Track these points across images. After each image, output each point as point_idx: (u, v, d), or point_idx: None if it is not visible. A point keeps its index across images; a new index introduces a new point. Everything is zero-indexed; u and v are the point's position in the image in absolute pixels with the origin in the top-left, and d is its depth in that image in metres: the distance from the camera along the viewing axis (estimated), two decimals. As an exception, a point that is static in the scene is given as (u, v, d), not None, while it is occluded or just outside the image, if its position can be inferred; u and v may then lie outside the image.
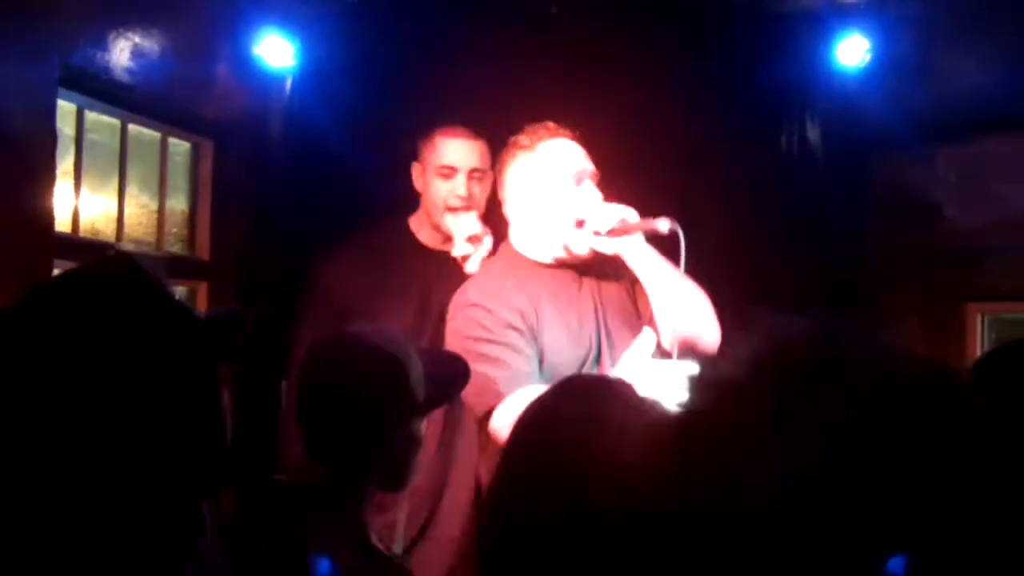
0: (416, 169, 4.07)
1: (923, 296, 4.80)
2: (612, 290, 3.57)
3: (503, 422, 3.24)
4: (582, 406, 1.82)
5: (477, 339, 3.34)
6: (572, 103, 3.93)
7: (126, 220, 4.20)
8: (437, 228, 3.99)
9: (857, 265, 4.84)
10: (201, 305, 4.53)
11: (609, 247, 3.44)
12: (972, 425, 1.31)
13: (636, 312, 3.56)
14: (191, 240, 4.62)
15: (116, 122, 4.14)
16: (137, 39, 3.89)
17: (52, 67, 3.52)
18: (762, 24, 4.67)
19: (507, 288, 3.46)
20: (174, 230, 4.57)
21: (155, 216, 4.42)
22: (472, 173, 3.97)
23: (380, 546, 2.29)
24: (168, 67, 4.06)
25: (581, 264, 3.54)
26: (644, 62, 4.56)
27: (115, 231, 4.15)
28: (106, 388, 1.43)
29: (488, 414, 3.29)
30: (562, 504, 1.68)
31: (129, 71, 3.88)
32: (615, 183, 3.62)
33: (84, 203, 3.97)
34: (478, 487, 3.83)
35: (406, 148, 4.16)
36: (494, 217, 3.79)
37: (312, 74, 4.56)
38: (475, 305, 3.42)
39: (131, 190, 4.26)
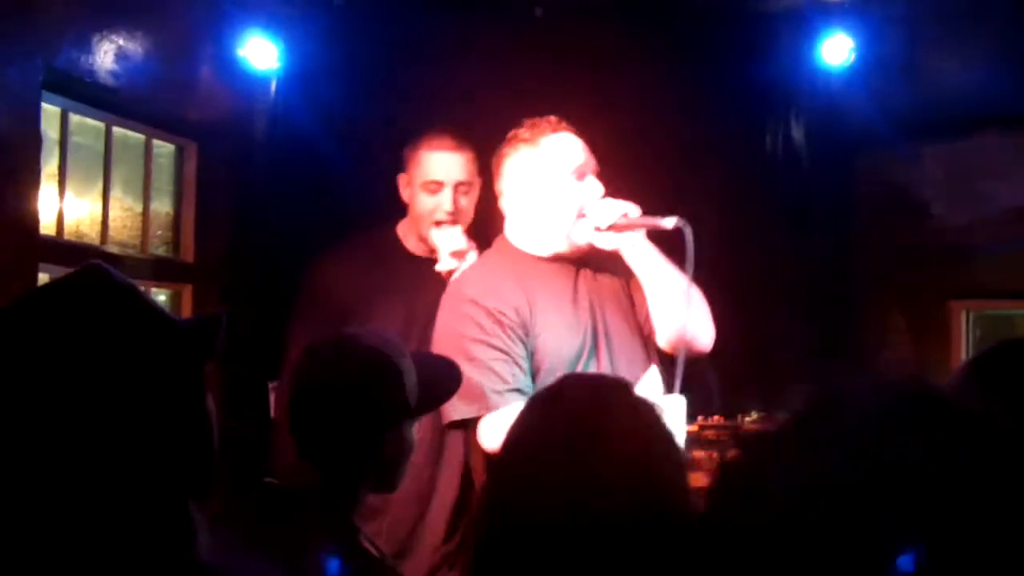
0: (402, 180, 4.03)
1: (908, 294, 4.82)
2: (608, 284, 3.56)
3: (489, 435, 3.26)
4: (580, 405, 1.82)
5: (470, 339, 3.33)
6: (558, 104, 3.91)
7: (111, 223, 4.19)
8: (423, 239, 3.97)
9: (842, 263, 4.85)
10: (186, 307, 4.53)
11: (609, 243, 3.43)
12: (967, 437, 1.32)
13: (632, 306, 3.54)
14: (176, 242, 4.61)
15: (100, 124, 4.13)
16: (121, 42, 3.88)
17: (36, 70, 3.51)
18: (746, 23, 4.67)
19: (502, 282, 3.44)
20: (159, 232, 4.56)
21: (140, 218, 4.41)
22: (458, 187, 3.93)
23: (372, 549, 2.29)
24: (152, 69, 4.06)
25: (578, 258, 3.52)
26: (628, 63, 4.56)
27: (100, 234, 4.14)
28: (88, 395, 1.43)
29: (470, 422, 3.30)
30: (560, 503, 1.69)
31: (113, 74, 3.87)
32: (600, 182, 3.61)
33: (69, 206, 3.95)
34: (463, 490, 3.85)
35: (391, 150, 4.15)
36: (490, 210, 3.77)
37: (297, 76, 4.55)
38: (470, 300, 3.40)
39: (115, 192, 4.25)
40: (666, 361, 3.42)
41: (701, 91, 4.63)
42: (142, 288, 1.66)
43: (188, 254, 4.59)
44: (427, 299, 3.74)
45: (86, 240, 4.08)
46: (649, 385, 3.30)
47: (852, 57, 4.54)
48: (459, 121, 4.09)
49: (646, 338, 3.52)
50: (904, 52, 4.58)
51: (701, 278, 3.41)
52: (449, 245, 3.82)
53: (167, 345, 1.51)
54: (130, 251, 4.29)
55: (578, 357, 3.40)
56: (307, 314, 3.97)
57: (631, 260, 3.44)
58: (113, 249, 4.16)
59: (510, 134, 3.57)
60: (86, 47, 3.75)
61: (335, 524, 2.25)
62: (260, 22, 4.41)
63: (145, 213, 4.42)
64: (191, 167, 4.60)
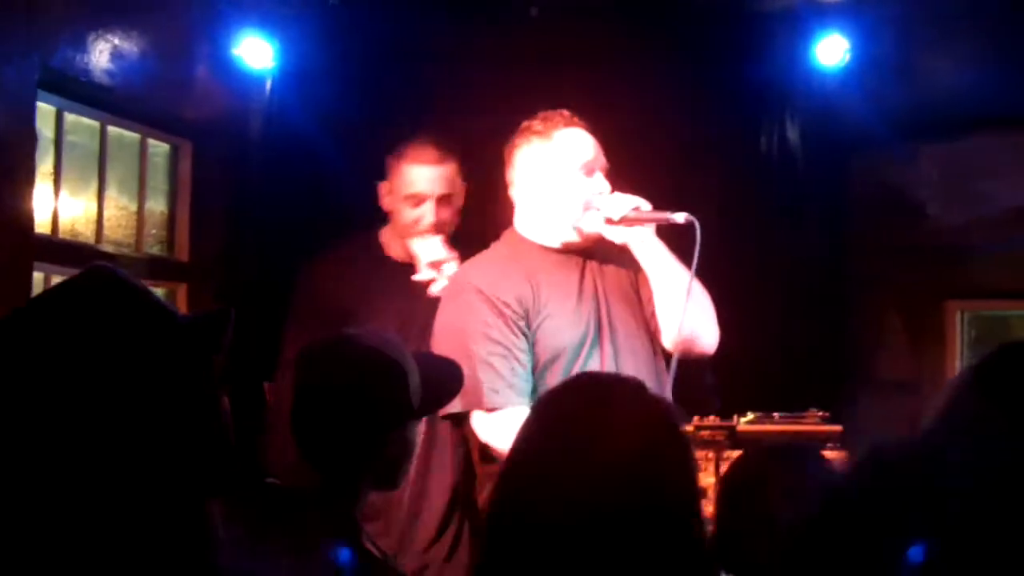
0: (384, 187, 4.03)
1: (903, 294, 4.83)
2: (616, 278, 3.57)
3: (483, 430, 3.30)
4: (592, 403, 1.82)
5: (471, 331, 3.35)
6: (552, 103, 3.91)
7: (106, 222, 4.19)
8: (405, 247, 3.97)
9: (837, 263, 4.86)
10: (180, 307, 4.51)
11: (619, 236, 3.44)
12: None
13: (638, 300, 3.55)
14: (170, 241, 4.61)
15: (96, 124, 4.13)
16: (116, 41, 3.88)
17: (32, 69, 3.51)
18: (741, 23, 4.67)
19: (507, 272, 3.46)
20: (153, 231, 4.55)
21: (134, 217, 4.40)
22: (441, 199, 3.94)
23: (374, 549, 2.29)
24: (147, 69, 4.05)
25: (586, 251, 3.54)
26: (623, 63, 4.56)
27: (95, 233, 4.13)
28: (101, 396, 1.42)
29: (465, 415, 3.31)
30: (571, 502, 1.68)
31: (109, 73, 3.86)
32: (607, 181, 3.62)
33: (64, 205, 3.95)
34: (455, 491, 3.86)
35: (386, 150, 4.14)
36: (497, 202, 3.76)
37: (292, 75, 4.54)
38: (473, 290, 3.42)
39: (110, 192, 4.25)
40: (669, 358, 3.43)
41: (696, 91, 4.63)
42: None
43: (183, 253, 4.59)
44: (414, 306, 3.75)
45: (81, 239, 4.08)
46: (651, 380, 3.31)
47: (847, 57, 4.54)
48: (455, 120, 4.10)
49: (652, 333, 3.53)
50: (899, 53, 4.58)
51: (697, 277, 3.41)
52: (428, 255, 3.82)
53: (175, 342, 1.50)
54: (125, 250, 4.29)
55: (580, 347, 3.41)
56: (300, 317, 3.98)
57: (639, 255, 3.46)
58: (108, 248, 4.16)
59: (523, 125, 3.59)
60: (82, 46, 3.75)
61: (338, 524, 2.24)
62: (255, 22, 4.40)
63: (140, 212, 4.41)
64: (186, 166, 4.60)
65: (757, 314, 4.26)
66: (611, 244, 3.48)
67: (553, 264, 3.52)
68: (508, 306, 3.37)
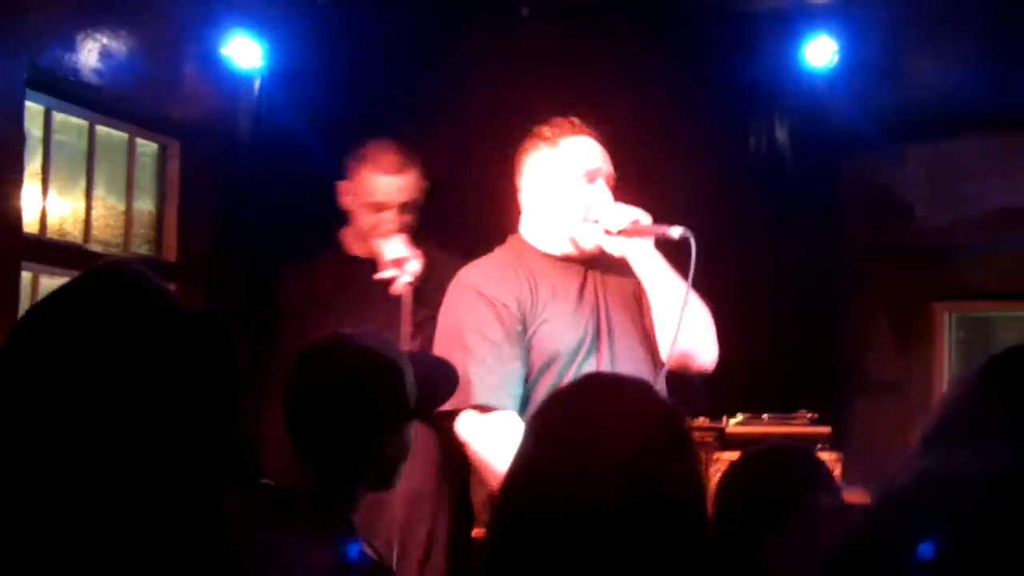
0: (344, 187, 4.05)
1: (891, 295, 4.84)
2: (617, 287, 3.55)
3: (466, 429, 3.31)
4: (598, 403, 1.82)
5: (468, 329, 3.36)
6: (541, 103, 3.92)
7: (93, 221, 4.18)
8: (366, 246, 3.98)
9: (825, 265, 4.86)
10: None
11: (617, 248, 3.44)
12: None
13: (640, 311, 3.53)
14: (158, 241, 4.59)
15: (84, 123, 4.13)
16: (105, 40, 3.87)
17: (20, 68, 3.50)
18: (730, 24, 4.68)
19: (507, 273, 3.47)
20: (141, 231, 4.54)
21: (123, 217, 4.39)
22: (402, 206, 3.98)
23: (369, 551, 2.29)
24: (136, 68, 4.05)
25: (588, 260, 3.53)
26: (612, 63, 4.55)
27: (83, 232, 4.13)
28: (121, 392, 1.44)
29: (453, 411, 3.30)
30: (576, 501, 1.68)
31: (97, 72, 3.86)
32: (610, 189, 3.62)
33: (52, 204, 3.95)
34: (439, 492, 3.89)
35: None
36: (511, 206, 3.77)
37: (280, 75, 4.53)
38: (473, 290, 3.43)
39: (98, 191, 4.24)
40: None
41: (684, 92, 4.63)
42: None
43: (171, 253, 4.57)
44: (374, 306, 3.77)
45: (69, 239, 4.07)
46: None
47: (835, 59, 4.55)
48: (443, 120, 4.09)
49: (653, 343, 3.51)
50: (887, 54, 4.59)
51: (692, 288, 3.40)
52: (390, 253, 3.83)
53: (192, 336, 1.51)
54: (113, 250, 4.28)
55: (576, 352, 3.40)
56: (286, 316, 4.00)
57: (637, 268, 3.45)
58: (96, 248, 4.15)
59: (534, 131, 3.59)
60: (70, 45, 3.74)
61: (334, 525, 2.24)
62: (244, 21, 4.39)
63: (128, 212, 4.40)
64: (174, 166, 4.58)
65: (745, 315, 4.26)
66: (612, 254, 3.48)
67: (554, 269, 3.52)
68: (507, 308, 3.38)
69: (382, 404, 2.33)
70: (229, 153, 4.58)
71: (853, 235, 4.88)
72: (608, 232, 3.43)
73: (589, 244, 3.47)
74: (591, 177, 3.49)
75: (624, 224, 3.41)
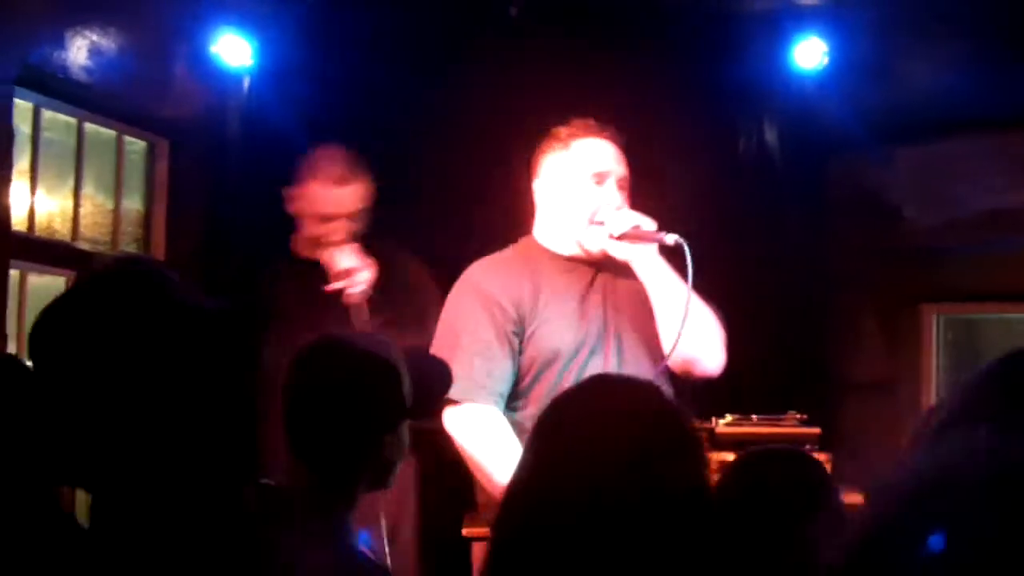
0: (291, 192, 4.05)
1: (879, 297, 4.85)
2: (626, 290, 3.54)
3: (447, 421, 3.34)
4: (606, 404, 1.82)
5: (462, 324, 3.39)
6: (532, 103, 3.92)
7: (82, 219, 4.18)
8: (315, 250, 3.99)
9: (814, 266, 4.86)
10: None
11: (620, 252, 3.44)
12: None
13: (650, 313, 3.51)
14: (147, 240, 4.59)
15: (73, 121, 4.12)
16: (94, 38, 3.86)
17: (9, 65, 3.50)
18: (720, 26, 4.67)
19: (511, 273, 3.48)
20: (129, 229, 4.53)
21: (111, 215, 4.39)
22: (350, 215, 3.98)
23: (367, 551, 2.28)
24: (125, 66, 4.04)
25: (598, 262, 3.53)
26: (600, 64, 4.55)
27: (71, 230, 4.12)
28: (154, 384, 1.46)
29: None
30: (584, 500, 1.68)
31: (86, 70, 3.85)
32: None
33: (40, 202, 3.94)
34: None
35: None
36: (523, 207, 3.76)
37: (270, 73, 4.52)
38: (473, 286, 3.46)
39: (87, 189, 4.24)
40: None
41: (674, 93, 4.63)
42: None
43: (159, 251, 4.57)
44: (325, 312, 3.77)
45: (57, 236, 4.06)
46: None
47: (825, 61, 4.55)
48: (434, 118, 4.07)
49: (660, 345, 3.50)
50: (877, 56, 4.59)
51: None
52: (339, 263, 3.84)
53: (210, 330, 1.52)
54: (101, 248, 4.27)
55: (576, 353, 3.41)
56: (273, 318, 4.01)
57: (640, 273, 3.45)
58: (84, 246, 4.15)
59: (550, 131, 3.60)
60: (60, 43, 3.74)
61: (334, 525, 2.24)
62: (233, 19, 4.39)
63: (116, 210, 4.40)
64: (163, 164, 4.58)
65: (734, 316, 4.26)
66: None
67: (561, 270, 3.52)
68: (502, 308, 3.39)
69: (381, 405, 2.32)
70: (218, 152, 4.58)
71: (842, 236, 4.89)
72: (611, 236, 3.44)
73: (594, 247, 3.47)
74: (600, 179, 3.49)
75: (625, 228, 3.42)
